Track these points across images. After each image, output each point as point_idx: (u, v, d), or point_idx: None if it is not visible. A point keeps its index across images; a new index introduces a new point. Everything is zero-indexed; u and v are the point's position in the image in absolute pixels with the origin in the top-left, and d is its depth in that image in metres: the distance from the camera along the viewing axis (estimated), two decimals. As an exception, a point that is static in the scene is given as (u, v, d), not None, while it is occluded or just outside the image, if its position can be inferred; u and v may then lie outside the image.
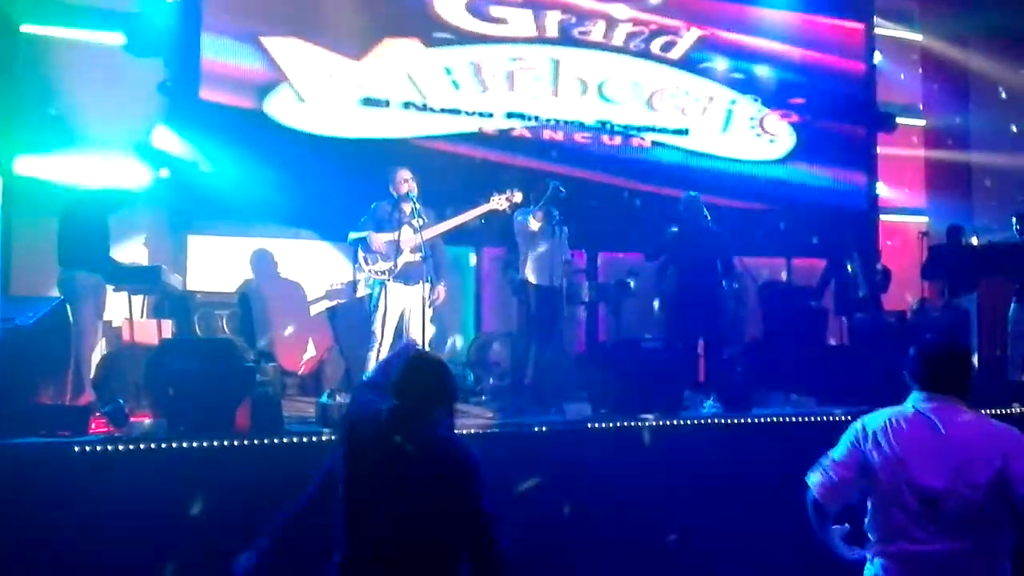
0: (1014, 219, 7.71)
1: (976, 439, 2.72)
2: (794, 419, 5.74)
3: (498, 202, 6.00)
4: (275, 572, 2.99)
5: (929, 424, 2.78)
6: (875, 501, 2.85)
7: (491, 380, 6.72)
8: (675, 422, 5.45)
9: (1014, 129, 10.08)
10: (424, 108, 8.03)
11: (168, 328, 6.06)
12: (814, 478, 2.92)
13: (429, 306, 5.74)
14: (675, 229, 6.64)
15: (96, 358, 5.70)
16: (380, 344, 5.84)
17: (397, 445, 2.70)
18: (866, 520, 2.89)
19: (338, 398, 5.04)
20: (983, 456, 2.67)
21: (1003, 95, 10.27)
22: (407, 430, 2.74)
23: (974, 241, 8.43)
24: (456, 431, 3.03)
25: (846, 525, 2.94)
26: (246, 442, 4.58)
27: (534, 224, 6.09)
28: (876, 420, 2.88)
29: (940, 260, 8.20)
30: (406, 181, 5.88)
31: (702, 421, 5.58)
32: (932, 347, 2.91)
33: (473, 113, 8.19)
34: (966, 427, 2.75)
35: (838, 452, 2.92)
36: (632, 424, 5.28)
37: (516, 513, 3.53)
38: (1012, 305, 7.52)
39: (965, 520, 2.66)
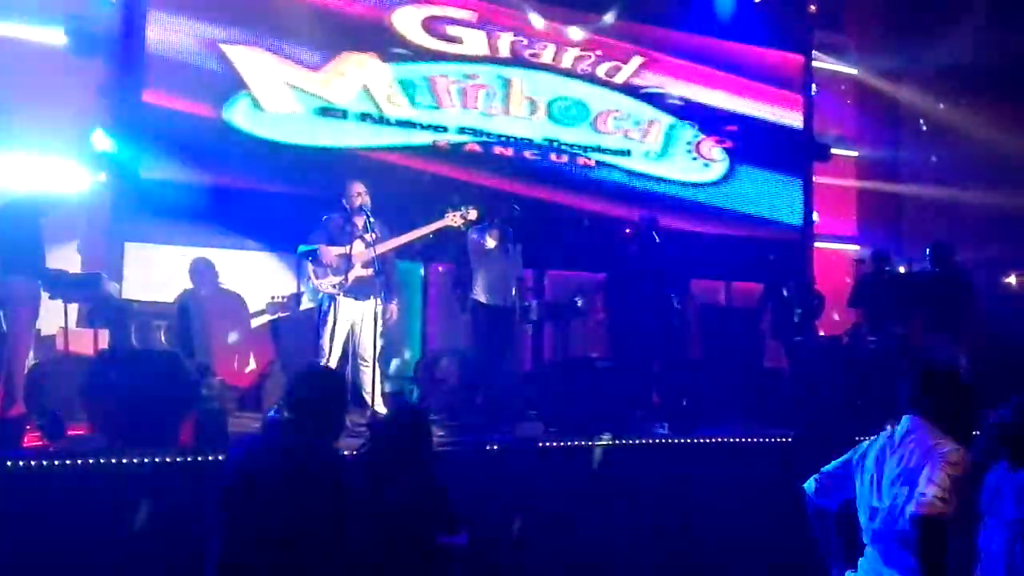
0: (927, 251, 8.03)
1: (915, 458, 2.81)
2: (739, 440, 5.84)
3: (452, 219, 5.96)
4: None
5: (888, 443, 2.94)
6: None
7: (439, 397, 6.64)
8: (625, 442, 5.48)
9: (934, 159, 10.54)
10: (380, 120, 8.07)
11: (104, 338, 5.83)
12: (809, 481, 3.15)
13: (382, 324, 5.67)
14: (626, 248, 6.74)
15: (27, 368, 5.45)
16: (328, 359, 5.74)
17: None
18: None
19: (286, 413, 4.91)
20: (914, 476, 2.77)
21: (923, 127, 10.74)
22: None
23: (901, 270, 8.74)
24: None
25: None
26: (189, 458, 4.42)
27: (490, 242, 6.07)
28: (875, 437, 3.04)
29: (864, 289, 8.48)
30: (359, 194, 5.81)
31: (650, 441, 5.63)
32: (909, 369, 3.06)
33: (427, 127, 8.24)
34: (909, 446, 2.85)
35: (836, 460, 3.13)
36: (583, 443, 5.30)
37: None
38: (929, 335, 7.83)
39: (895, 536, 2.78)
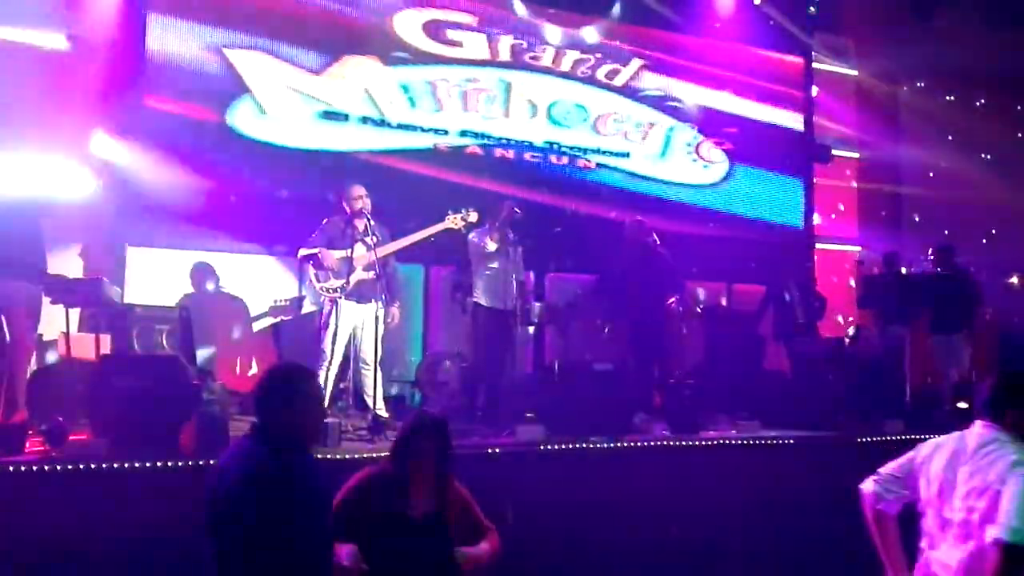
0: (931, 252, 8.03)
1: (994, 473, 2.70)
2: (741, 442, 5.84)
3: (453, 221, 5.95)
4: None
5: (959, 449, 2.82)
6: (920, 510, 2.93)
7: (441, 400, 6.64)
8: (625, 444, 5.48)
9: (935, 160, 10.55)
10: (381, 123, 8.12)
11: (106, 343, 5.82)
12: (867, 483, 3.02)
13: (383, 327, 5.67)
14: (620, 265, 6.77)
15: (28, 373, 5.44)
16: (329, 363, 5.74)
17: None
18: None
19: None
20: (995, 492, 2.67)
21: (924, 128, 10.75)
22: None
23: (903, 271, 8.74)
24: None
25: None
26: (191, 463, 4.42)
27: (491, 245, 6.08)
28: (938, 439, 2.94)
29: (875, 290, 8.49)
30: (360, 197, 5.81)
31: (652, 443, 5.62)
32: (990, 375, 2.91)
33: (428, 130, 8.29)
34: (986, 458, 2.74)
35: (897, 459, 3.02)
36: (583, 446, 5.29)
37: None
38: (934, 336, 7.85)
39: (967, 550, 2.72)
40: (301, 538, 2.66)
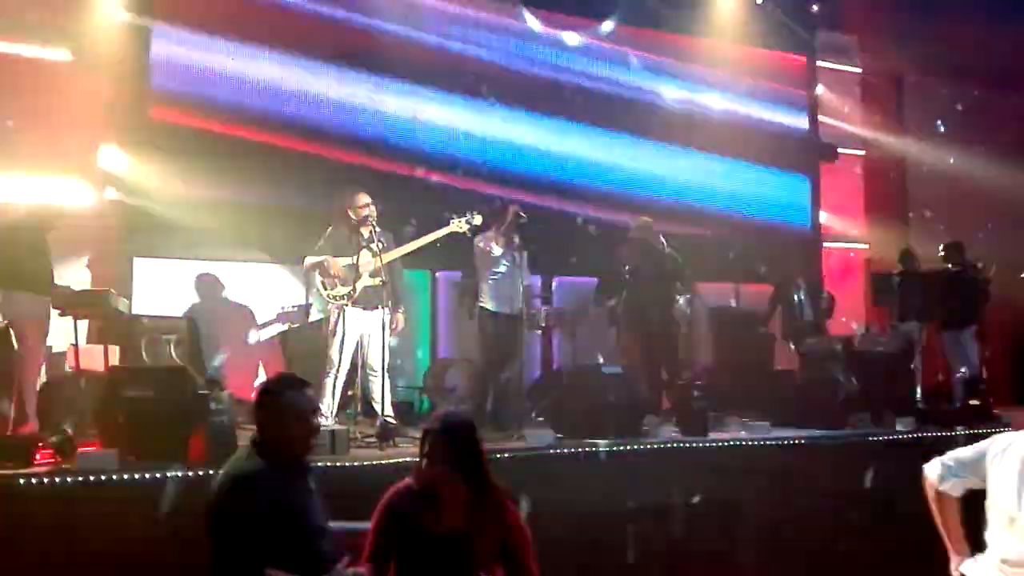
0: (941, 249, 8.00)
1: None
2: (751, 443, 5.81)
3: (458, 225, 5.96)
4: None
5: None
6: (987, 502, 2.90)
7: (448, 406, 6.63)
8: (635, 446, 5.46)
9: (941, 155, 10.51)
10: (386, 129, 8.11)
11: (115, 354, 5.85)
12: (932, 464, 2.99)
13: (389, 334, 5.67)
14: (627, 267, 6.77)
15: (38, 385, 5.47)
16: (337, 370, 5.75)
17: None
18: None
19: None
20: None
21: (928, 124, 10.72)
22: None
23: (913, 268, 8.70)
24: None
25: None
26: (200, 472, 4.42)
27: (496, 249, 6.09)
28: (1012, 434, 2.91)
29: (887, 287, 8.44)
30: (365, 204, 5.82)
31: (662, 445, 5.61)
32: None
33: (433, 135, 8.27)
34: None
35: (969, 446, 2.98)
36: (593, 449, 5.27)
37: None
38: (944, 333, 7.82)
39: None
40: (265, 549, 2.67)
